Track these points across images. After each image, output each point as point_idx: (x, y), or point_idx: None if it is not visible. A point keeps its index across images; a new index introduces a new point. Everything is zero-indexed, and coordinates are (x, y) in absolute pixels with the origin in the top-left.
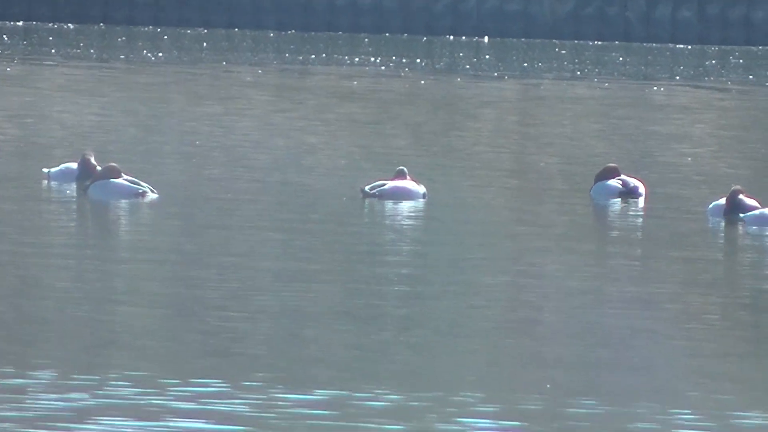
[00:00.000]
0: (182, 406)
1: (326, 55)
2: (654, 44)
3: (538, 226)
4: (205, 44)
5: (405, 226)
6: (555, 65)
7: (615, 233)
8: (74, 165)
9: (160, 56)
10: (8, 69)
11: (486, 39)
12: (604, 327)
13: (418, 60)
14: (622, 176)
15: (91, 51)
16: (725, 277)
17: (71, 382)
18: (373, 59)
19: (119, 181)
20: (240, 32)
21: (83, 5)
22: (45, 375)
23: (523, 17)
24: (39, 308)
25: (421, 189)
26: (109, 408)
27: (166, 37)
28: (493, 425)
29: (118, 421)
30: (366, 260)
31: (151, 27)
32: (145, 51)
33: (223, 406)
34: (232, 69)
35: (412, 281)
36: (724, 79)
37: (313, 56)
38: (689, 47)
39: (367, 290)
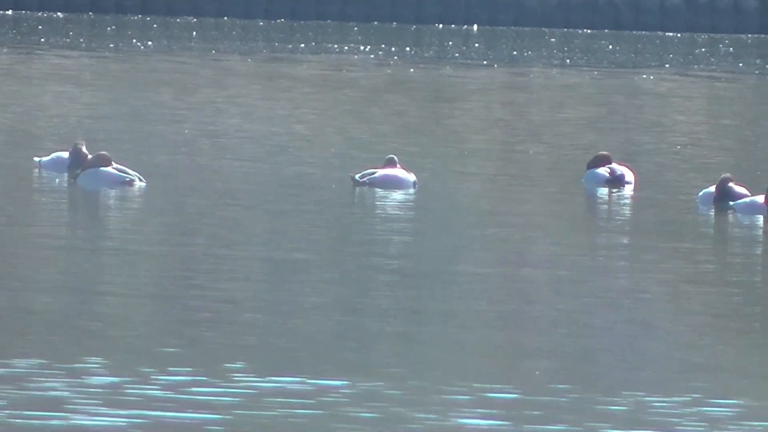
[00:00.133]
0: (163, 395)
1: (315, 44)
2: (643, 32)
3: (528, 215)
4: (194, 33)
5: (395, 215)
6: (544, 53)
7: (604, 222)
8: (65, 154)
9: (150, 45)
10: None
11: (475, 27)
12: (593, 317)
13: (408, 48)
14: (613, 164)
15: (81, 40)
16: (713, 266)
17: (51, 370)
18: (362, 47)
19: (107, 169)
20: (229, 21)
21: None
22: (25, 363)
23: (513, 5)
24: (21, 297)
25: (412, 177)
26: (89, 397)
27: (155, 25)
28: (480, 413)
29: (99, 410)
30: (355, 249)
31: (140, 16)
32: (134, 40)
33: (204, 396)
34: (222, 58)
35: (402, 270)
36: (713, 67)
37: (303, 45)
38: (678, 35)
39: (355, 279)
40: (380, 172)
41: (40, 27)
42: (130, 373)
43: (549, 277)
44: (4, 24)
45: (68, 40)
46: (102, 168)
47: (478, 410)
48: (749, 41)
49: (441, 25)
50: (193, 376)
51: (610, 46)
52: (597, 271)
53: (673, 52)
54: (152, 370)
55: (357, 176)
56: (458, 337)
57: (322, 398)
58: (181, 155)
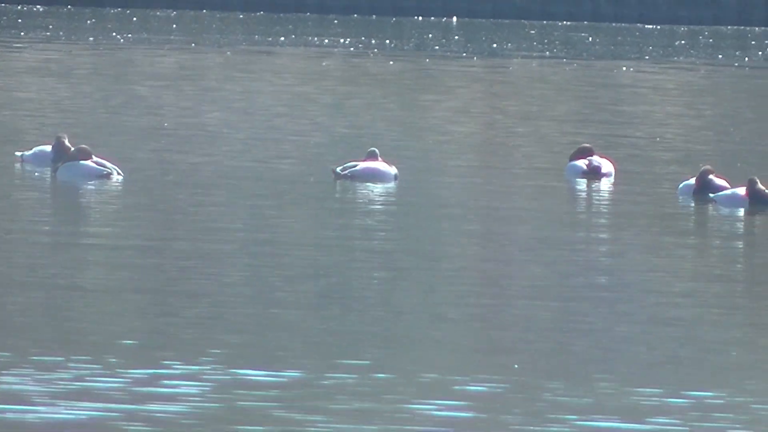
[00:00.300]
0: (145, 390)
1: (295, 36)
2: (623, 24)
3: (509, 208)
4: (174, 26)
5: (376, 209)
6: (524, 45)
7: (585, 215)
8: (48, 148)
9: (129, 38)
10: None
11: (454, 20)
12: (572, 309)
13: (387, 41)
14: (594, 156)
15: (61, 33)
16: (693, 258)
17: (30, 365)
18: (342, 40)
19: (86, 162)
20: (209, 14)
21: None
22: (2, 358)
23: None
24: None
25: (393, 170)
26: (70, 392)
27: (135, 19)
28: (460, 405)
29: (79, 405)
30: (335, 242)
31: (119, 9)
32: (114, 33)
33: (187, 388)
34: (201, 51)
35: (383, 264)
36: (693, 58)
37: (283, 38)
38: (658, 27)
39: (334, 273)
40: (362, 165)
41: (19, 20)
42: (99, 365)
43: (528, 270)
44: None
45: (48, 33)
46: (81, 161)
47: (456, 402)
48: (729, 32)
49: (420, 18)
50: (164, 369)
51: (590, 38)
52: (577, 264)
53: (652, 43)
54: (121, 362)
55: (338, 169)
56: (437, 330)
57: (303, 390)
58: (160, 148)
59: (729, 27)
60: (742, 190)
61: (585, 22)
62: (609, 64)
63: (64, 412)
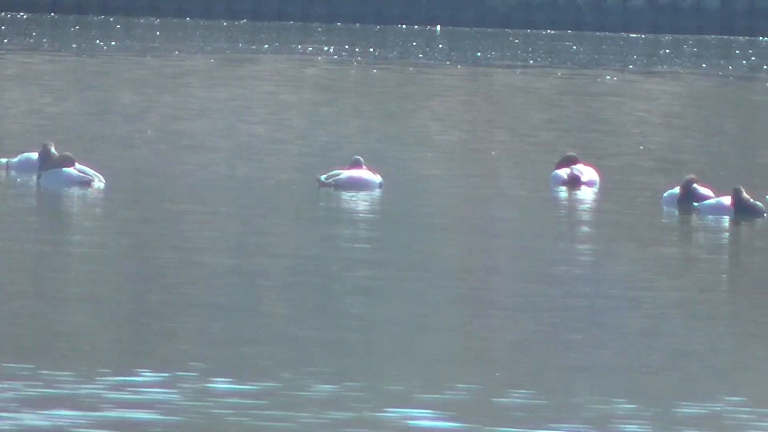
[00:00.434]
0: (119, 396)
1: (279, 44)
2: (606, 33)
3: (492, 217)
4: (157, 33)
5: (360, 217)
6: (508, 54)
7: (567, 224)
8: (34, 155)
9: (113, 45)
10: None
11: (438, 28)
12: (555, 320)
13: (371, 49)
14: (578, 165)
15: (44, 40)
16: (677, 268)
17: (5, 372)
18: (325, 48)
19: (68, 170)
20: (192, 21)
21: None
22: None
23: (474, 4)
24: None
25: (377, 178)
26: (45, 399)
27: (118, 26)
28: (441, 415)
29: (55, 412)
30: (319, 251)
31: (102, 16)
32: (97, 40)
33: (160, 395)
34: (185, 58)
35: (366, 274)
36: (677, 68)
37: (266, 45)
38: (642, 36)
39: (317, 282)
40: (346, 173)
41: (2, 27)
42: (70, 372)
43: (511, 280)
44: None
45: (31, 40)
46: (63, 168)
47: (437, 412)
48: (712, 41)
49: (404, 26)
50: (149, 377)
51: (574, 47)
52: (560, 273)
53: (636, 52)
54: (93, 369)
55: (322, 177)
56: (418, 340)
57: (275, 399)
58: (143, 155)
59: (713, 36)
60: (726, 199)
61: (569, 31)
62: (593, 72)
63: (35, 420)
